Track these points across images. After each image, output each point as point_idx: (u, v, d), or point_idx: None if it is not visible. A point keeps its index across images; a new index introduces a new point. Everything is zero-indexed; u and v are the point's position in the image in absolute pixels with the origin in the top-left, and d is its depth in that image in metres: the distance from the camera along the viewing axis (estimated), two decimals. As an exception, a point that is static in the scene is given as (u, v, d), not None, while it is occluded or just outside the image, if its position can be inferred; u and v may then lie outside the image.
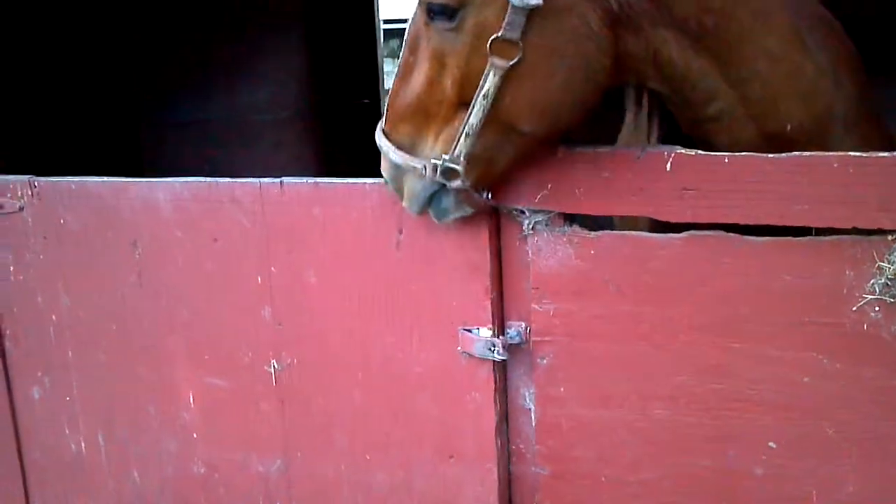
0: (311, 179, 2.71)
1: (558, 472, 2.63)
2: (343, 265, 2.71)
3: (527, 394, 2.63)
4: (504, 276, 2.58)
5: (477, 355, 2.56)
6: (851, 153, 2.16)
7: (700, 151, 2.28)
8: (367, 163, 2.82)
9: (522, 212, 2.48)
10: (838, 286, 2.23)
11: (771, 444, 2.39)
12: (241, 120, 8.32)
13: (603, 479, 2.58)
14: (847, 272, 2.22)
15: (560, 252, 2.48)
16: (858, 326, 2.24)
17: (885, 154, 2.14)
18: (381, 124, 2.34)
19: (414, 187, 2.29)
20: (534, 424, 2.62)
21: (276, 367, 2.88)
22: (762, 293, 2.30)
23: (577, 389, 2.54)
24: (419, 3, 2.18)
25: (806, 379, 2.32)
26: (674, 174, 2.30)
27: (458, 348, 2.59)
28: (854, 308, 2.23)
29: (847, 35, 2.63)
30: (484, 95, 2.11)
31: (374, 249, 2.66)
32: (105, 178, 2.99)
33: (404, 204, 2.36)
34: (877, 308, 2.22)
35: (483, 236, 2.50)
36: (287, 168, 8.73)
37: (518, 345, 2.57)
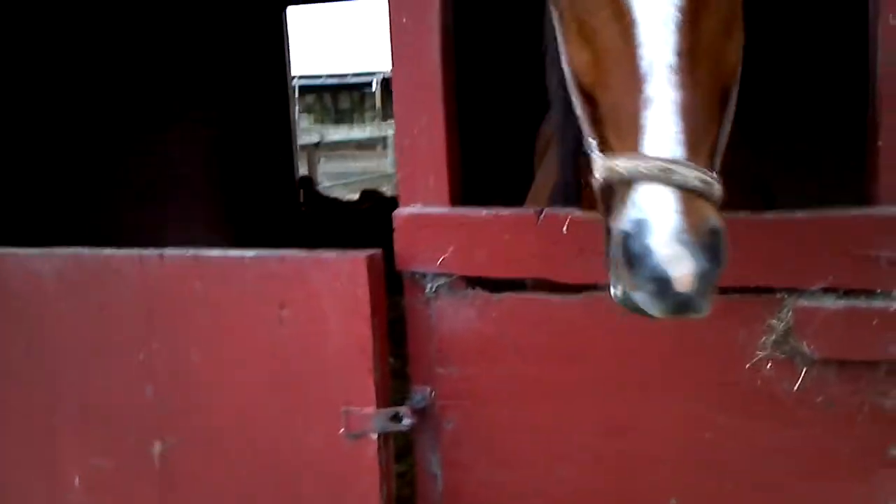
0: (192, 251, 2.65)
1: (468, 538, 2.60)
2: (226, 341, 2.63)
3: (433, 459, 2.60)
4: (408, 340, 2.56)
5: (377, 430, 2.49)
6: (740, 214, 2.23)
7: (595, 214, 2.32)
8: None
9: (424, 275, 2.49)
10: (732, 344, 2.29)
11: (673, 500, 2.41)
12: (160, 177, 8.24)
13: (513, 543, 2.56)
14: (740, 330, 2.28)
15: (463, 315, 2.49)
16: (752, 383, 2.29)
17: (771, 214, 2.22)
18: (662, 150, 1.59)
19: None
20: (440, 491, 2.59)
21: (160, 447, 2.78)
22: (661, 352, 2.34)
23: (483, 453, 2.53)
24: None
25: (706, 435, 2.35)
26: (571, 236, 2.33)
27: (342, 430, 2.50)
28: (748, 365, 2.29)
29: None
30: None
31: (257, 325, 2.57)
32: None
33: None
34: (769, 365, 2.28)
35: (365, 311, 2.43)
36: (200, 225, 8.66)
37: (423, 409, 2.55)
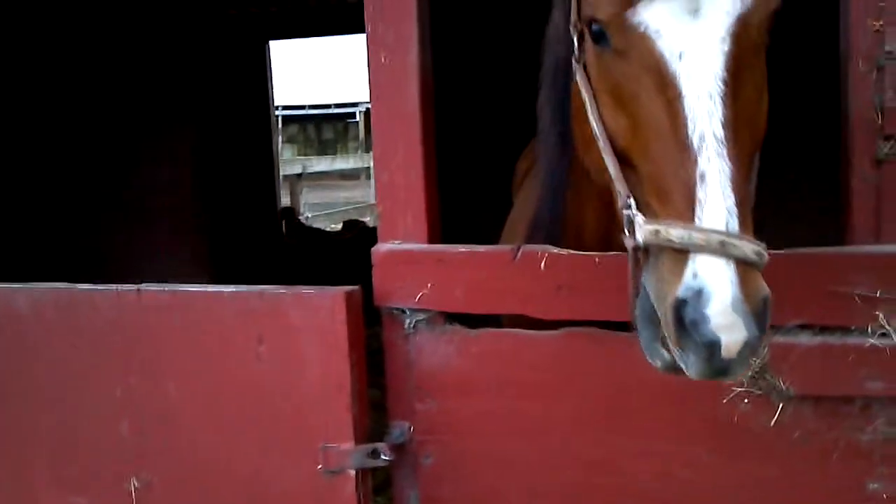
0: (170, 286, 2.64)
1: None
2: (203, 377, 2.62)
3: (412, 495, 2.59)
4: (387, 375, 2.57)
5: (355, 466, 2.46)
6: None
7: (573, 251, 2.34)
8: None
9: (403, 311, 2.49)
10: (709, 380, 2.30)
11: (653, 537, 2.41)
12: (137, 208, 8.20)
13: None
14: (716, 366, 2.29)
15: (442, 350, 2.49)
16: (730, 418, 2.31)
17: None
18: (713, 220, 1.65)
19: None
20: (419, 528, 2.59)
21: (136, 484, 2.75)
22: (637, 387, 2.35)
23: (462, 489, 2.53)
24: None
25: (684, 471, 2.36)
26: (548, 273, 2.35)
27: (319, 466, 2.48)
28: (725, 401, 2.30)
29: None
30: None
31: (235, 360, 2.56)
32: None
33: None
34: (745, 401, 2.30)
35: (343, 347, 2.42)
36: (180, 256, 8.64)
37: (402, 445, 2.55)
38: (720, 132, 1.67)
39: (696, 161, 1.66)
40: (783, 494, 2.34)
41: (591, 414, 2.40)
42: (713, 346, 1.57)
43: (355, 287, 2.45)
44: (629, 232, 1.79)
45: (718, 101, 1.69)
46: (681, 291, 1.61)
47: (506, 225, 3.79)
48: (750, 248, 1.60)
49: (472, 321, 2.50)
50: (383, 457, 2.49)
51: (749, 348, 1.60)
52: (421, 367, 2.51)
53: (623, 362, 2.35)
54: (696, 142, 1.67)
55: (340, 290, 2.40)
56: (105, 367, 2.73)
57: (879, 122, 2.21)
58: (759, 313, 1.60)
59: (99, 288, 2.70)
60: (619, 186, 1.84)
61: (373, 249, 2.52)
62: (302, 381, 2.48)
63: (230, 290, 2.53)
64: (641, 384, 2.35)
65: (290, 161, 19.99)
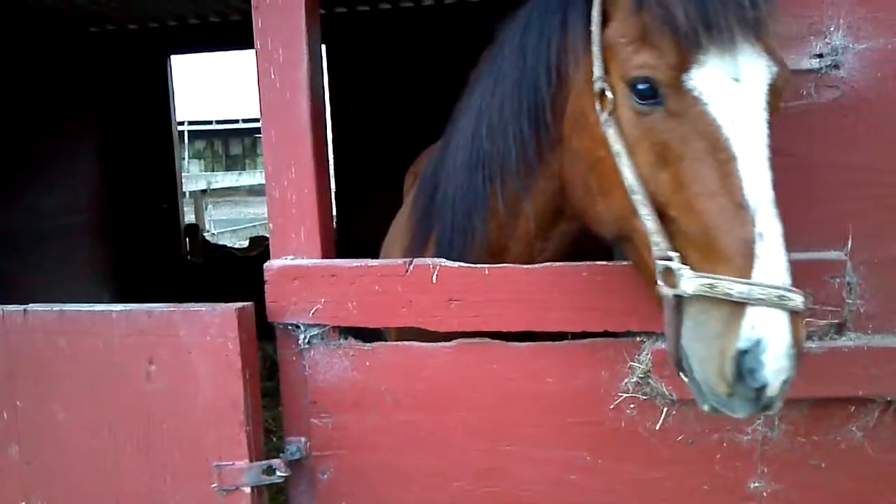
0: (57, 306, 2.57)
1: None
2: (92, 398, 2.56)
3: (309, 511, 2.59)
4: (282, 391, 2.56)
5: (250, 483, 2.44)
6: (598, 263, 2.33)
7: (463, 264, 2.39)
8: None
9: (298, 326, 2.49)
10: (595, 386, 2.37)
11: (545, 542, 2.46)
12: (29, 226, 7.93)
13: None
14: (602, 373, 2.37)
15: (337, 365, 2.50)
16: (616, 423, 2.38)
17: (628, 262, 2.32)
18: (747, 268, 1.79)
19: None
20: (316, 543, 2.58)
21: (27, 509, 2.68)
22: (527, 396, 2.41)
23: (360, 502, 2.53)
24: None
25: (573, 476, 2.42)
26: (440, 286, 2.39)
27: (214, 485, 2.45)
28: (611, 406, 2.38)
29: None
30: None
31: (124, 382, 2.51)
32: None
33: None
34: (632, 406, 2.37)
35: (236, 365, 2.40)
36: (79, 276, 8.40)
37: (298, 461, 2.54)
38: (771, 194, 1.80)
39: (753, 221, 1.77)
40: (670, 495, 2.43)
41: (482, 423, 2.44)
42: (763, 388, 1.73)
43: (247, 303, 2.44)
44: (666, 282, 1.88)
45: (767, 164, 1.82)
46: (741, 342, 1.74)
47: (388, 232, 3.82)
48: (801, 300, 1.74)
49: (365, 335, 2.52)
50: (279, 473, 2.47)
51: (787, 385, 1.75)
52: (316, 383, 2.51)
53: (513, 372, 2.41)
54: (752, 203, 1.78)
55: (232, 307, 2.38)
56: (-10, 389, 2.64)
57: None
58: (800, 355, 1.76)
59: (-19, 308, 2.61)
60: (658, 238, 1.91)
61: (265, 265, 2.51)
62: (194, 400, 2.45)
63: (118, 308, 2.48)
64: (529, 393, 2.41)
65: (195, 177, 19.65)
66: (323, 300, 2.46)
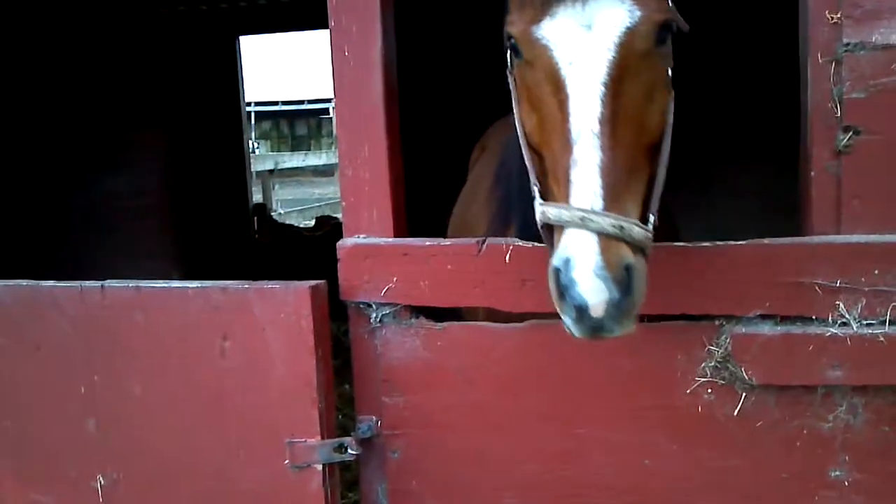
0: (133, 283, 2.61)
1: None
2: (167, 374, 2.60)
3: (380, 489, 2.59)
4: (354, 370, 2.56)
5: (322, 460, 2.46)
6: (676, 244, 2.27)
7: (537, 244, 2.35)
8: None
9: (370, 305, 2.49)
10: (671, 370, 2.32)
11: (617, 527, 2.43)
12: (104, 208, 8.10)
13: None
14: (679, 356, 2.31)
15: (408, 344, 2.49)
16: (693, 409, 2.33)
17: (709, 244, 2.26)
18: (582, 199, 1.87)
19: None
20: (387, 521, 2.59)
21: (102, 482, 2.73)
22: (601, 379, 2.37)
23: (430, 482, 2.53)
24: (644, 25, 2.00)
25: (647, 461, 2.38)
26: (513, 266, 2.36)
27: (286, 461, 2.48)
28: (688, 391, 2.32)
29: None
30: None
31: (199, 357, 2.54)
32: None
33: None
34: (709, 390, 2.32)
35: (309, 342, 2.41)
36: (151, 256, 8.57)
37: (369, 439, 2.55)
38: (596, 127, 1.90)
39: (573, 151, 1.90)
40: (747, 483, 2.37)
41: (555, 406, 2.40)
42: (583, 307, 1.80)
43: (320, 281, 2.44)
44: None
45: (598, 100, 1.92)
46: (555, 261, 1.87)
47: (457, 203, 3.84)
48: (608, 221, 1.82)
49: (438, 315, 2.50)
50: (350, 451, 2.48)
51: (615, 308, 1.80)
52: (387, 362, 2.51)
53: (586, 355, 2.37)
54: (574, 135, 1.91)
55: (305, 285, 2.39)
56: (68, 364, 2.70)
57: (838, 113, 2.24)
58: (621, 279, 1.81)
59: (62, 285, 2.67)
60: (531, 177, 2.11)
61: (338, 244, 2.51)
62: (268, 377, 2.47)
63: (194, 285, 2.51)
64: (604, 376, 2.36)
65: (262, 157, 19.88)
66: (395, 279, 2.45)
